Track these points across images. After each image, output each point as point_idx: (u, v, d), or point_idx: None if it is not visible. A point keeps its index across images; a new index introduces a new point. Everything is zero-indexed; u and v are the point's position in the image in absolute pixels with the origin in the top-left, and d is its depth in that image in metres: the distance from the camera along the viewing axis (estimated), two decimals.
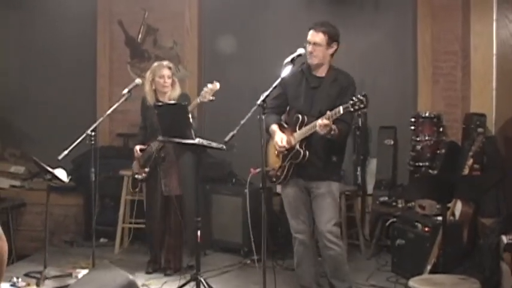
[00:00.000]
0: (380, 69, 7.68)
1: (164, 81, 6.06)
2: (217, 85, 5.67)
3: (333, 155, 4.92)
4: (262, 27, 8.05)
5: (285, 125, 5.03)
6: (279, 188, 7.16)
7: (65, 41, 8.27)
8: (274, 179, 5.07)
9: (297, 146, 4.84)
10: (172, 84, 6.14)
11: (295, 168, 4.90)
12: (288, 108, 5.12)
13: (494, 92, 6.76)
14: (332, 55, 4.96)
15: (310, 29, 4.91)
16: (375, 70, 7.65)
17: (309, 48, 4.87)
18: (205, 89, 5.69)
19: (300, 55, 4.77)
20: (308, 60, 4.93)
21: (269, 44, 7.88)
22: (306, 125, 4.80)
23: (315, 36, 4.87)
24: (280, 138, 4.91)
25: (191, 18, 8.04)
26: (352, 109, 4.41)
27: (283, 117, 5.17)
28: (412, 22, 7.67)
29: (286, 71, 4.70)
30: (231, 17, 8.09)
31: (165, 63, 6.16)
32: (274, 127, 5.02)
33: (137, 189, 6.62)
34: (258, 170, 4.86)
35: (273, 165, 5.06)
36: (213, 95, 5.68)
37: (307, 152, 4.82)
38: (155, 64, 6.19)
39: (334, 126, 4.60)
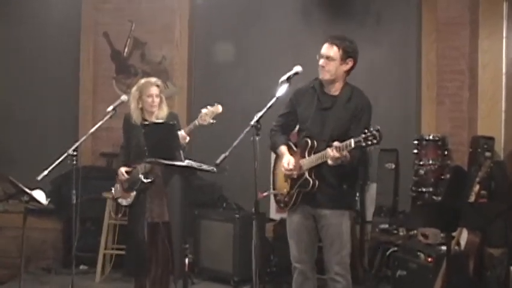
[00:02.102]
0: (381, 88, 7.70)
1: (152, 101, 6.02)
2: (219, 108, 5.62)
3: (344, 183, 4.84)
4: (257, 41, 8.09)
5: (294, 148, 4.98)
6: (273, 214, 7.21)
7: (47, 54, 8.31)
8: (283, 205, 5.01)
9: (306, 175, 4.77)
10: (160, 103, 6.10)
11: (304, 195, 4.85)
12: (297, 127, 5.08)
13: (503, 114, 6.80)
14: (347, 72, 4.85)
15: (325, 42, 4.83)
16: (376, 89, 7.64)
17: (321, 62, 4.79)
18: (204, 110, 5.63)
19: (296, 73, 4.71)
20: (320, 76, 4.84)
21: (264, 59, 7.92)
22: (315, 150, 4.75)
23: (328, 49, 4.78)
24: (288, 161, 4.87)
25: (181, 31, 8.08)
26: (364, 144, 4.34)
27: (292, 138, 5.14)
28: (416, 38, 7.73)
29: (282, 90, 4.67)
30: (223, 30, 8.14)
31: (153, 80, 6.11)
32: (283, 149, 4.97)
33: (120, 215, 6.58)
34: (265, 193, 4.83)
35: (280, 189, 5.01)
36: (213, 118, 5.65)
37: (317, 182, 4.76)
38: (142, 81, 6.13)
39: (346, 153, 4.51)
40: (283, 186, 4.97)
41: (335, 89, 4.86)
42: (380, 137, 4.31)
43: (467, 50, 7.43)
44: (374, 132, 4.30)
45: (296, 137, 5.04)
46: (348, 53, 4.79)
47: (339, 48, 4.77)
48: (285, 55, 7.41)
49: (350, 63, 4.81)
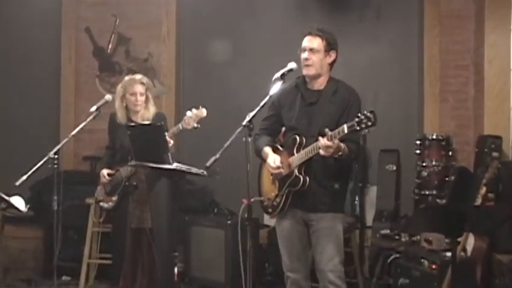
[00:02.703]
0: (381, 85, 7.72)
1: (136, 99, 6.02)
2: (203, 112, 5.63)
3: (335, 182, 4.82)
4: (249, 38, 8.09)
5: (280, 148, 4.96)
6: (266, 219, 7.21)
7: (25, 51, 8.29)
8: (271, 210, 4.97)
9: (296, 172, 4.74)
10: (146, 102, 6.10)
11: (294, 197, 4.83)
12: (283, 130, 5.09)
13: (511, 111, 6.80)
14: (331, 65, 4.89)
15: (305, 35, 4.85)
16: (376, 86, 7.69)
17: (305, 55, 4.81)
18: (188, 113, 5.64)
19: (291, 70, 4.74)
20: (303, 71, 4.84)
21: (257, 57, 7.92)
22: (304, 146, 4.72)
23: (311, 41, 4.80)
24: (273, 159, 4.83)
25: (168, 26, 8.08)
26: (358, 127, 4.31)
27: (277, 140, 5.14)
28: (418, 32, 7.74)
29: (276, 87, 4.67)
30: (214, 26, 8.13)
31: (138, 77, 6.11)
32: (267, 149, 4.94)
33: (101, 219, 6.58)
34: (251, 200, 4.81)
35: (268, 194, 4.99)
36: (198, 122, 5.65)
37: (307, 178, 4.73)
38: (126, 78, 6.14)
39: (343, 145, 4.52)
40: (271, 190, 4.95)
41: (319, 84, 4.87)
42: (375, 119, 4.27)
43: (472, 44, 7.45)
44: (368, 114, 4.28)
45: (283, 139, 5.06)
46: (331, 44, 4.83)
47: (322, 39, 4.80)
48: (280, 52, 7.32)
49: (333, 56, 4.85)
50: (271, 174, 4.91)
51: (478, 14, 7.27)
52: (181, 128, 5.68)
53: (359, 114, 4.32)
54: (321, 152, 4.50)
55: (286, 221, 4.93)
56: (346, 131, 4.37)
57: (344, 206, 5.06)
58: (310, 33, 4.84)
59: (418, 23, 7.74)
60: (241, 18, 8.11)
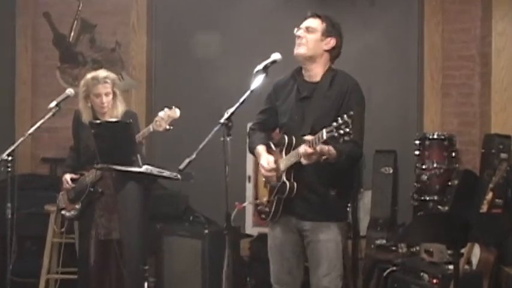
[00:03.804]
0: (376, 78, 7.71)
1: (102, 101, 5.96)
2: (177, 112, 5.62)
3: (331, 188, 4.79)
4: (231, 27, 8.08)
5: (274, 148, 4.95)
6: (248, 228, 7.21)
7: None
8: (264, 216, 4.99)
9: (283, 177, 4.74)
10: (114, 99, 6.04)
11: (286, 203, 4.80)
12: (279, 125, 5.05)
13: None
14: (330, 54, 4.84)
15: (306, 18, 4.86)
16: (370, 79, 7.61)
17: (299, 32, 4.79)
18: (160, 114, 5.64)
19: (275, 61, 4.68)
20: (294, 51, 4.82)
21: (238, 47, 7.93)
22: (294, 147, 4.70)
23: (310, 21, 4.82)
24: (267, 160, 4.82)
25: (139, 11, 8.07)
26: (336, 134, 4.23)
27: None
28: (418, 19, 7.76)
29: (258, 81, 4.64)
30: (191, 12, 8.11)
31: (102, 75, 5.99)
32: (260, 148, 4.94)
33: (63, 229, 6.55)
34: (244, 204, 4.81)
35: (261, 198, 5.03)
36: (170, 124, 5.65)
37: (295, 185, 4.70)
38: (89, 77, 6.01)
39: (326, 148, 4.45)
40: (264, 195, 4.98)
41: (315, 74, 4.85)
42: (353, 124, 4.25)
43: (478, 33, 7.48)
44: (346, 118, 4.20)
45: (277, 136, 5.05)
46: (332, 30, 4.81)
47: (322, 21, 4.80)
48: (263, 42, 7.36)
49: (332, 42, 4.81)
50: (266, 178, 4.91)
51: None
52: (151, 130, 5.67)
53: (338, 118, 4.24)
54: (302, 160, 4.50)
55: (279, 228, 4.94)
56: (324, 137, 4.31)
57: (344, 214, 5.05)
58: (311, 15, 4.85)
59: (418, 9, 7.77)
60: (222, 4, 8.09)
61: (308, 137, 4.44)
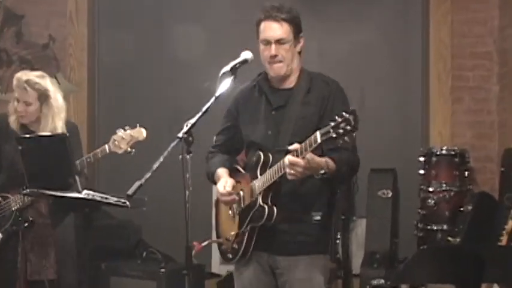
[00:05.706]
0: (370, 80, 7.77)
1: (17, 107, 5.92)
2: (143, 133, 5.67)
3: (315, 211, 4.76)
4: (190, 20, 8.12)
5: (242, 171, 4.93)
6: (215, 266, 7.20)
7: None
8: (231, 256, 4.92)
9: (260, 201, 4.68)
10: (41, 110, 5.96)
11: (259, 235, 4.75)
12: (245, 146, 5.03)
13: None
14: (299, 53, 4.84)
15: (263, 20, 4.76)
16: (362, 82, 7.72)
17: (271, 51, 4.72)
18: (120, 133, 5.66)
19: (245, 61, 4.68)
20: (270, 72, 4.80)
21: (201, 44, 7.93)
22: (271, 166, 4.65)
23: (277, 29, 4.72)
24: (224, 184, 4.78)
25: (77, 0, 8.02)
26: (334, 134, 4.22)
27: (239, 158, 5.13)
28: (422, 10, 7.80)
29: (224, 86, 4.62)
30: (141, 2, 8.10)
31: (26, 78, 5.91)
32: (220, 171, 4.90)
33: None
34: (205, 242, 4.77)
35: (226, 233, 4.96)
36: (132, 146, 5.67)
37: (275, 209, 4.66)
38: (17, 74, 6.00)
39: (323, 160, 4.47)
40: (229, 228, 4.93)
41: (289, 81, 4.84)
42: (355, 121, 4.20)
43: (496, 24, 7.50)
44: (346, 115, 4.20)
45: (245, 158, 5.04)
46: (299, 26, 4.79)
47: (289, 24, 4.74)
48: (231, 39, 7.40)
49: (302, 42, 4.82)
50: (225, 204, 4.88)
51: None
52: (107, 151, 5.66)
53: (336, 117, 4.23)
54: (288, 176, 4.45)
55: (249, 269, 4.89)
56: (319, 139, 4.29)
57: (328, 245, 5.02)
58: (272, 18, 4.74)
59: None
60: None
61: (294, 146, 4.40)
